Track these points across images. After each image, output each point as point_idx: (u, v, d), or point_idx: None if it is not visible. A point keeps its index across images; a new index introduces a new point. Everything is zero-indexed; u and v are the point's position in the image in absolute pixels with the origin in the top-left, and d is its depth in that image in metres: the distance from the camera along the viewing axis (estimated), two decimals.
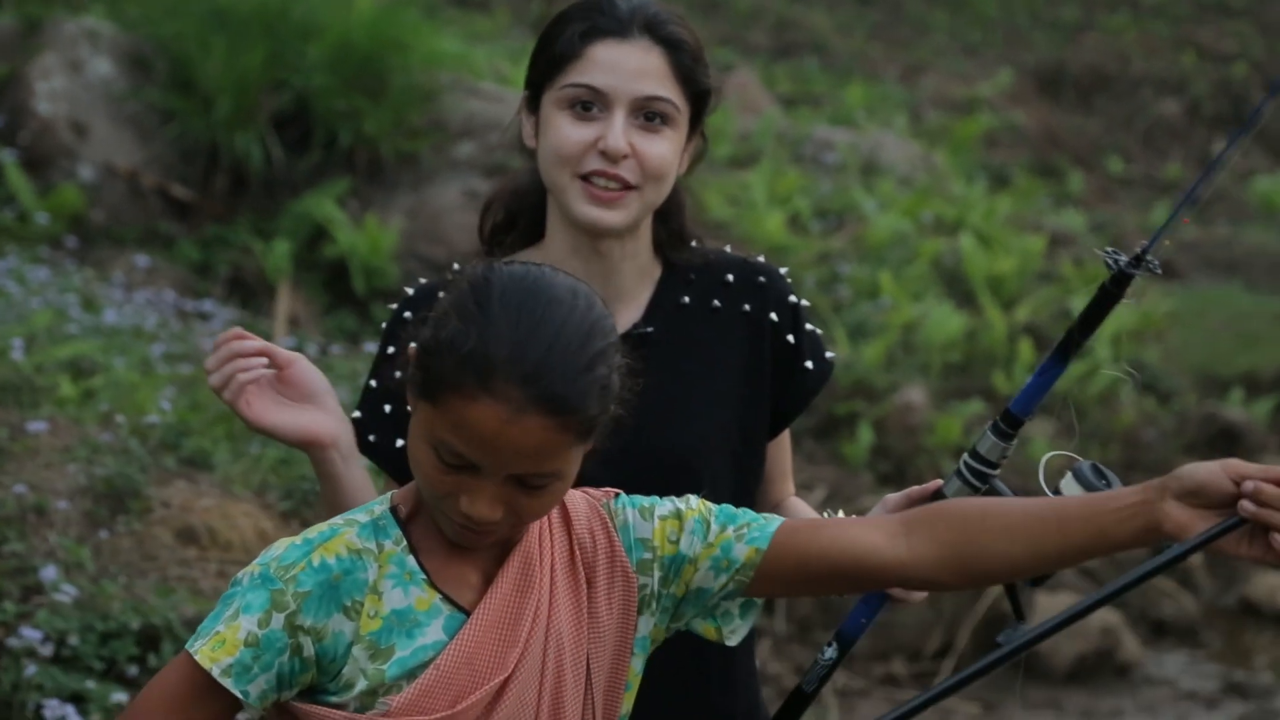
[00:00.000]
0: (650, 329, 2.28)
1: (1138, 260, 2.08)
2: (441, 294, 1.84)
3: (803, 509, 2.40)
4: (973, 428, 7.11)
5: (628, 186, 2.23)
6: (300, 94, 7.31)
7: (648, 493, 2.11)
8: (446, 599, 1.83)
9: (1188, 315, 9.35)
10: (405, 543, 1.83)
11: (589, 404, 1.76)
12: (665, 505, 1.93)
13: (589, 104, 2.22)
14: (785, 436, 2.40)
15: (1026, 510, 1.85)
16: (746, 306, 2.35)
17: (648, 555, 1.90)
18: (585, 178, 2.22)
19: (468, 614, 1.84)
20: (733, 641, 1.94)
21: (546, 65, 2.25)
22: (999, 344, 7.52)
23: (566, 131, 2.22)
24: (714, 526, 1.91)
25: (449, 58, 7.98)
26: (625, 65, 2.21)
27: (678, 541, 1.90)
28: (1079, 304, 8.30)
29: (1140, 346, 8.27)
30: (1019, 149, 11.70)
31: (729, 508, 1.93)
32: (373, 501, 1.89)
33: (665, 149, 2.23)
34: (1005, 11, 13.41)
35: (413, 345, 1.81)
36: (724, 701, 2.31)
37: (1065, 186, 11.19)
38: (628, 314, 2.30)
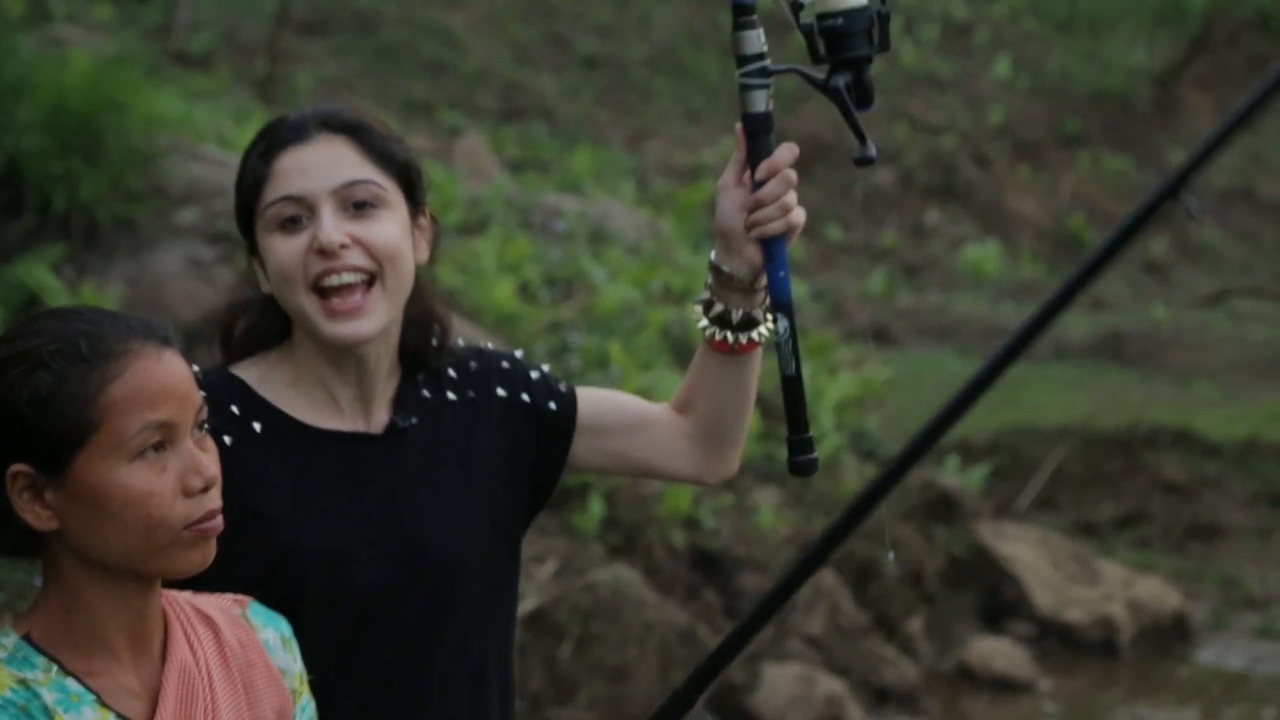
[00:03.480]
0: (414, 419, 2.24)
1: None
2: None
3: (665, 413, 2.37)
4: (702, 499, 7.18)
5: (369, 277, 2.16)
6: (11, 156, 7.04)
7: (410, 591, 2.13)
8: (120, 716, 1.77)
9: (905, 381, 9.62)
10: (56, 667, 1.76)
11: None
12: (300, 663, 1.92)
13: (295, 217, 2.17)
14: (603, 395, 2.38)
15: None
16: (472, 393, 2.31)
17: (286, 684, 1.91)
18: (319, 290, 2.16)
19: None
20: None
21: (243, 200, 2.21)
22: None
23: (281, 249, 2.17)
24: None
25: (169, 119, 7.77)
26: (314, 163, 2.17)
27: (305, 710, 1.90)
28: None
29: (861, 414, 8.47)
30: None
31: None
32: None
33: (388, 227, 2.17)
34: (727, 79, 13.68)
35: None
36: None
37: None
38: (381, 413, 2.24)
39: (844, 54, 2.16)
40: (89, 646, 1.78)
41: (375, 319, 2.17)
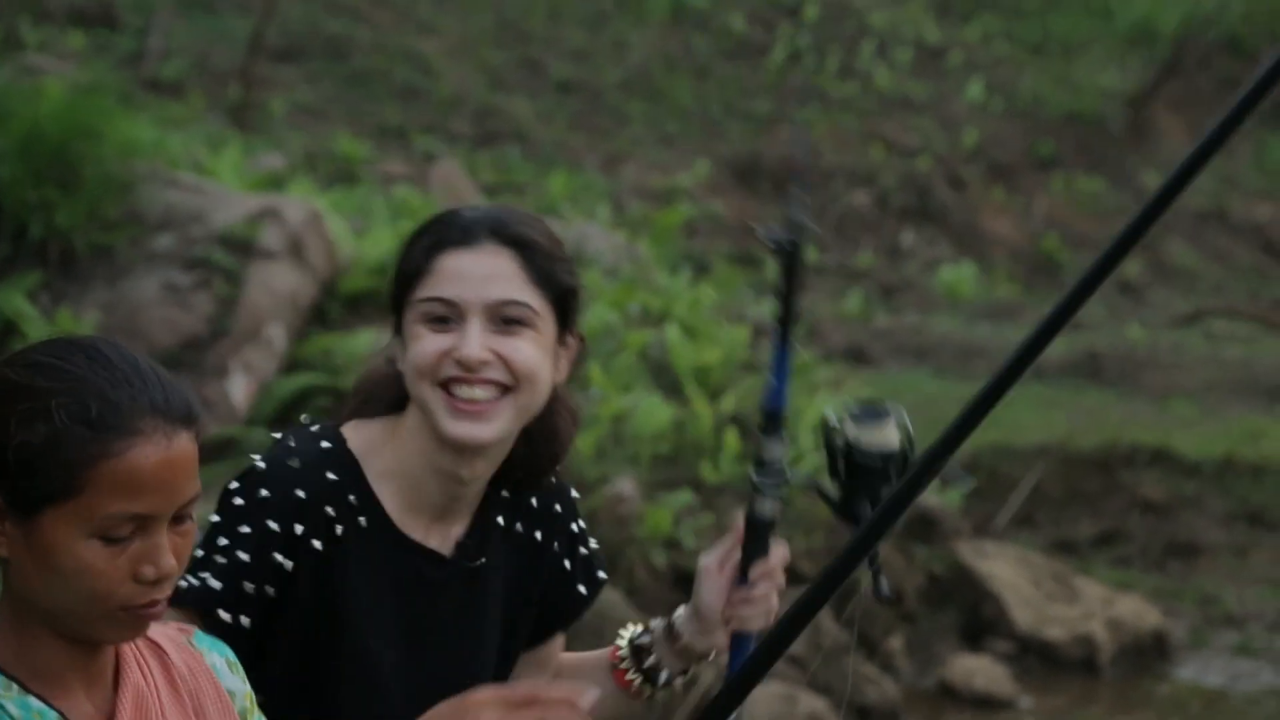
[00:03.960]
0: (484, 560, 2.28)
1: (798, 228, 2.23)
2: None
3: None
4: (683, 518, 7.17)
5: (504, 389, 2.18)
6: None
7: (428, 705, 2.15)
8: None
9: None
10: (17, 686, 1.74)
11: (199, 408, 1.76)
12: (248, 685, 1.90)
13: (445, 318, 2.19)
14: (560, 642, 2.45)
15: None
16: (538, 534, 2.35)
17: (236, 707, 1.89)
18: (446, 387, 2.18)
19: None
20: None
21: (400, 284, 2.23)
22: (706, 435, 7.62)
23: (423, 344, 2.19)
24: None
25: (144, 146, 7.77)
26: (474, 273, 2.18)
27: None
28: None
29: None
30: (718, 238, 11.95)
31: None
32: None
33: (529, 350, 2.18)
34: (700, 103, 13.71)
35: None
36: None
37: (764, 275, 11.46)
38: (456, 527, 2.27)
39: (866, 486, 2.23)
40: (41, 674, 1.76)
41: (496, 427, 2.18)
